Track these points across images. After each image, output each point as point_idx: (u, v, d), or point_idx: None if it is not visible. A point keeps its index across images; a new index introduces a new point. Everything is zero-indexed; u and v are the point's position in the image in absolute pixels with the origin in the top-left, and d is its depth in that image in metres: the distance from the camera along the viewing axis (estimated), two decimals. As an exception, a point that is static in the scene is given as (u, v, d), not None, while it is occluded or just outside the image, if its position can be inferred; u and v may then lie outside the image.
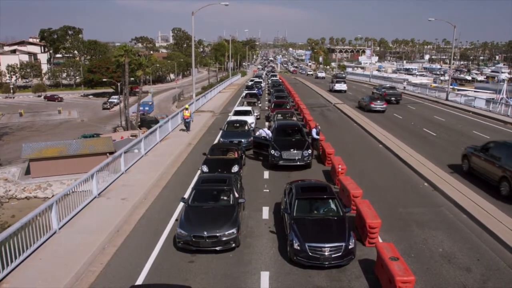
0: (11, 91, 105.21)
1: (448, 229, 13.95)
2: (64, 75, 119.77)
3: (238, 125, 25.92)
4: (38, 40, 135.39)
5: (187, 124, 29.03)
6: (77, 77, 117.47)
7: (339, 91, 58.55)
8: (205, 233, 12.01)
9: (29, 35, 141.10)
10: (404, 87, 59.03)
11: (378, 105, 39.65)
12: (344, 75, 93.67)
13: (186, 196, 15.19)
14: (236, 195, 13.89)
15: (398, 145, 25.14)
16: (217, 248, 12.11)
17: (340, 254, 11.20)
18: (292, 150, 20.04)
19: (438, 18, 50.36)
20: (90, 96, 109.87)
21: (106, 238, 12.94)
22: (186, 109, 29.14)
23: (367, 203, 13.84)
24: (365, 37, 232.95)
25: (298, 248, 11.36)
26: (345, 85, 60.81)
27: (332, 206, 13.02)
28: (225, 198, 13.84)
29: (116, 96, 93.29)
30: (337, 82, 61.83)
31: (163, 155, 22.63)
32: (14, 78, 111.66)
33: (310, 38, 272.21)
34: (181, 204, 15.10)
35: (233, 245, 12.27)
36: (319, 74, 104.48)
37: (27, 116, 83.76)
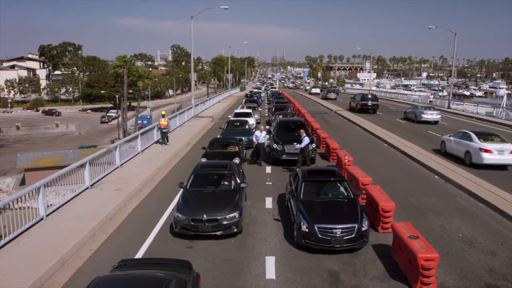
0: (9, 105, 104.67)
1: (466, 216, 12.99)
2: (63, 90, 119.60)
3: (238, 124, 25.10)
4: (37, 56, 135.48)
5: (164, 136, 23.10)
6: (75, 92, 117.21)
7: (315, 94, 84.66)
8: (205, 216, 11.01)
9: (28, 51, 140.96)
10: (431, 101, 56.57)
11: (332, 95, 66.37)
12: (326, 86, 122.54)
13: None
14: (238, 181, 12.94)
15: (404, 143, 24.30)
16: (218, 233, 11.09)
17: (352, 236, 10.20)
18: (295, 144, 19.15)
19: (439, 26, 50.08)
20: (88, 111, 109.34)
21: (97, 225, 11.93)
22: (163, 116, 23.16)
23: (378, 188, 12.92)
24: (363, 55, 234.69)
25: (307, 230, 10.37)
26: (318, 89, 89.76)
27: (342, 189, 12.08)
28: (226, 183, 12.87)
29: (114, 110, 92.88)
30: (313, 87, 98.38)
31: (160, 152, 21.70)
32: (12, 93, 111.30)
33: (308, 55, 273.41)
34: (179, 196, 14.10)
35: (235, 229, 11.26)
36: (307, 87, 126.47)
37: (24, 130, 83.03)
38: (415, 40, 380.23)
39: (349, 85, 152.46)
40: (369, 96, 44.63)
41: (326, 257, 10.20)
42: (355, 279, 9.23)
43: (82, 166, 14.81)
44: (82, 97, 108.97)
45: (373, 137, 27.82)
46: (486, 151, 18.65)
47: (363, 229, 10.40)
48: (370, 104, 42.48)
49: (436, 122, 34.47)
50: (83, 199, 14.01)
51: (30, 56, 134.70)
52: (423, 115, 34.42)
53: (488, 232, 11.79)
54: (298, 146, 18.38)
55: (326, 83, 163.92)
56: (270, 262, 9.98)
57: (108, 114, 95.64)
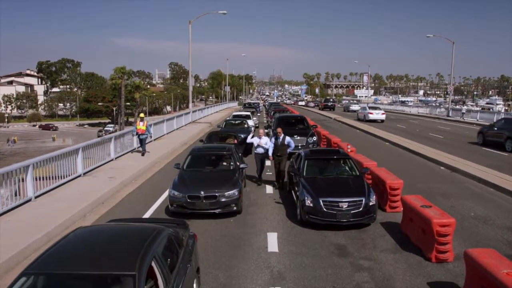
0: (6, 120, 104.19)
1: (477, 199, 12.41)
2: (61, 105, 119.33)
3: (237, 122, 24.57)
4: (35, 72, 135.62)
5: (142, 142, 19.03)
6: (73, 107, 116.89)
7: (301, 105, 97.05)
8: (202, 192, 10.36)
9: (27, 67, 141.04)
10: (463, 113, 52.74)
11: (311, 104, 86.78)
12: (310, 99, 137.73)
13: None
14: (237, 163, 12.33)
15: (407, 141, 23.80)
16: (216, 211, 10.42)
17: (360, 210, 9.56)
18: (295, 136, 18.56)
19: (436, 35, 50.24)
20: (86, 126, 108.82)
21: (88, 206, 11.29)
22: (141, 119, 19.04)
23: (384, 169, 12.34)
24: (361, 73, 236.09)
25: (311, 205, 9.73)
26: (303, 102, 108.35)
27: (347, 167, 11.49)
28: (224, 163, 12.27)
29: (112, 125, 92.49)
30: (300, 101, 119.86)
31: (157, 149, 21.09)
32: (9, 108, 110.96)
33: (306, 73, 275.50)
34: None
35: (234, 208, 10.59)
36: (300, 103, 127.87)
37: (21, 143, 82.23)
38: (412, 57, 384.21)
39: (346, 101, 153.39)
40: (330, 99, 78.10)
41: (332, 233, 9.54)
42: (365, 251, 8.57)
43: (75, 151, 14.22)
44: (80, 112, 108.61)
45: (374, 137, 27.35)
46: (371, 113, 40.96)
47: (371, 203, 9.77)
48: (330, 104, 68.56)
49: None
50: (74, 185, 13.40)
51: (28, 72, 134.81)
52: (350, 107, 62.41)
53: (501, 211, 11.20)
54: (290, 149, 14.04)
55: (345, 101, 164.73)
56: (272, 238, 9.32)
57: (105, 128, 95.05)
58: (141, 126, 18.75)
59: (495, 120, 39.82)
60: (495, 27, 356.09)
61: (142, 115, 20.26)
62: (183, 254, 5.81)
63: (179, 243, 5.88)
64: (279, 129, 14.11)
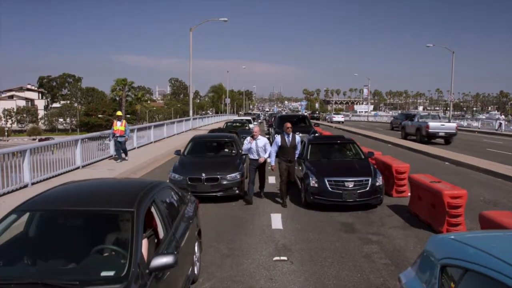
0: (5, 134, 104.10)
1: (485, 186, 12.16)
2: (61, 120, 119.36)
3: (238, 124, 24.34)
4: (36, 87, 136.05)
5: (119, 146, 16.02)
6: (73, 120, 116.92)
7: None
8: (203, 175, 10.08)
9: (28, 82, 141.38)
10: (501, 123, 49.97)
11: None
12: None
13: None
14: (239, 150, 12.08)
15: (410, 143, 23.62)
16: (218, 194, 10.13)
17: (366, 189, 9.27)
18: (297, 134, 18.36)
19: (437, 44, 50.58)
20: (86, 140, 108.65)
21: (86, 192, 10.97)
22: (119, 117, 16.24)
23: (389, 156, 12.12)
24: (360, 88, 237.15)
25: (316, 185, 9.44)
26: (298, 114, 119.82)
27: (351, 151, 11.25)
28: (226, 150, 12.03)
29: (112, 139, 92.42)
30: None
31: (157, 148, 20.95)
32: (9, 122, 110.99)
33: (305, 89, 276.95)
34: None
35: (237, 191, 10.30)
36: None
37: (20, 156, 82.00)
38: (411, 73, 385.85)
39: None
40: (316, 112, 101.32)
41: (337, 214, 9.23)
42: (373, 228, 8.26)
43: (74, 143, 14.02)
44: (80, 126, 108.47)
45: (377, 141, 27.15)
46: (334, 117, 66.19)
47: (377, 184, 9.49)
48: (315, 115, 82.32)
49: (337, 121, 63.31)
50: (72, 175, 13.17)
51: (29, 86, 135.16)
52: (326, 117, 76.62)
53: (510, 195, 10.90)
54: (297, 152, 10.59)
55: (324, 114, 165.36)
56: (276, 217, 9.01)
57: (105, 142, 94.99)
58: (118, 126, 15.78)
59: (496, 128, 40.11)
60: (494, 43, 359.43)
61: (119, 113, 17.22)
62: (184, 211, 5.53)
63: (180, 198, 5.61)
64: (288, 124, 10.37)
